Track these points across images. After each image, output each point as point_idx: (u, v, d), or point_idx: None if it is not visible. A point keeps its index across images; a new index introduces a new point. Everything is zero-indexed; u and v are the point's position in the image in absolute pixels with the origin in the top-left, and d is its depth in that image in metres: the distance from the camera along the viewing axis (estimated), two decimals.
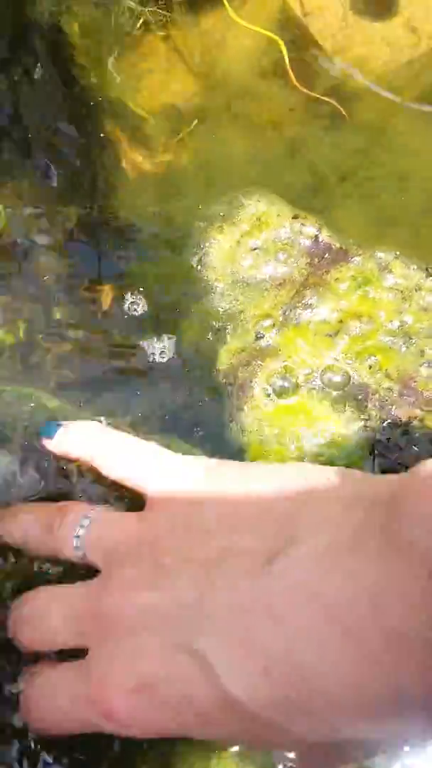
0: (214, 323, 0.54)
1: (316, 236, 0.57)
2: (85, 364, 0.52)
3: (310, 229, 0.57)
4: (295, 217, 0.57)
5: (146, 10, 0.59)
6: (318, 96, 0.62)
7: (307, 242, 0.56)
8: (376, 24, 0.71)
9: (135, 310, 0.55)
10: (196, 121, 0.64)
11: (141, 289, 0.56)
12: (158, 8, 0.61)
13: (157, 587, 0.32)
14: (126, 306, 0.55)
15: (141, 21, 0.59)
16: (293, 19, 0.69)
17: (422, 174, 0.68)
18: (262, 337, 0.52)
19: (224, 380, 0.52)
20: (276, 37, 0.61)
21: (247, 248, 0.56)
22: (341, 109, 0.62)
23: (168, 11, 0.64)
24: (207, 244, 0.57)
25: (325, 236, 0.57)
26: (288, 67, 0.60)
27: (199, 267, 0.57)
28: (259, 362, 0.52)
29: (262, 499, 0.34)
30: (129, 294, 0.55)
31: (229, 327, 0.54)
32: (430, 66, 0.70)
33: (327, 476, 0.35)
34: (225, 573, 0.31)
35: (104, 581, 0.35)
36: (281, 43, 0.60)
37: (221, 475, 0.38)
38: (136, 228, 0.59)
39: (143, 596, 0.33)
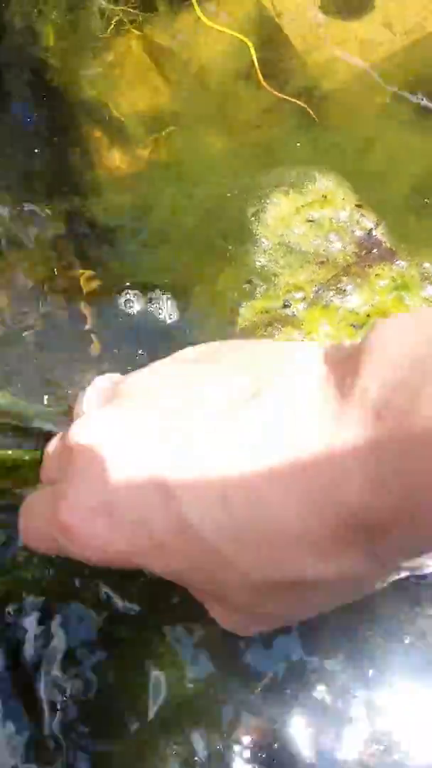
0: (248, 276, 0.56)
1: (371, 230, 0.57)
2: None
3: (368, 222, 0.58)
4: (358, 206, 0.58)
5: (118, 8, 0.60)
6: (286, 97, 0.62)
7: (361, 233, 0.57)
8: (350, 23, 0.71)
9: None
10: (171, 128, 0.64)
11: None
12: (129, 8, 0.61)
13: (125, 418, 0.34)
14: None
15: (114, 21, 0.60)
16: (267, 19, 0.69)
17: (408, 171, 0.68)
18: (288, 306, 0.53)
19: (240, 335, 0.53)
20: (245, 39, 0.61)
21: (304, 218, 0.58)
22: (309, 110, 0.62)
23: (141, 11, 0.64)
24: (267, 201, 0.59)
25: (379, 233, 0.57)
26: (257, 68, 0.61)
27: (252, 218, 0.58)
28: (280, 327, 0.53)
29: (227, 365, 0.36)
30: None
31: (261, 286, 0.55)
32: (404, 63, 0.70)
33: (297, 346, 0.38)
34: (192, 414, 0.33)
35: (78, 421, 0.36)
36: (250, 44, 0.61)
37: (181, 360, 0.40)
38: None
39: (112, 425, 0.34)
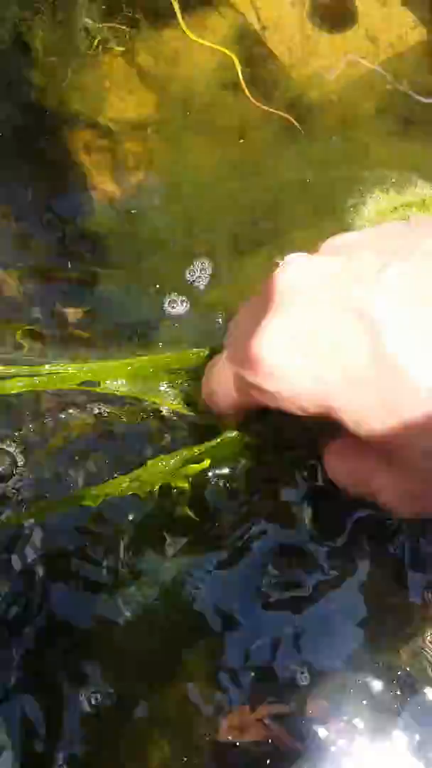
0: None
1: None
2: None
3: None
4: None
5: (104, 26, 0.61)
6: (271, 110, 0.63)
7: None
8: (334, 36, 0.72)
9: None
10: (159, 140, 0.65)
11: None
12: (117, 24, 0.62)
13: (333, 261, 0.33)
14: None
15: (98, 40, 0.61)
16: (252, 33, 0.70)
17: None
18: None
19: None
20: (228, 52, 0.62)
21: (400, 216, 0.59)
22: (294, 121, 0.63)
23: (128, 26, 0.65)
24: (368, 195, 0.60)
25: None
26: (241, 81, 0.62)
27: (351, 208, 0.59)
28: None
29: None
30: None
31: None
32: (386, 78, 0.71)
33: None
34: (406, 254, 0.32)
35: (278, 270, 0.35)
36: (234, 58, 0.61)
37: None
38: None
39: (320, 266, 0.33)
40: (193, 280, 0.59)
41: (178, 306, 0.56)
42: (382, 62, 0.72)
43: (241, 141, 0.64)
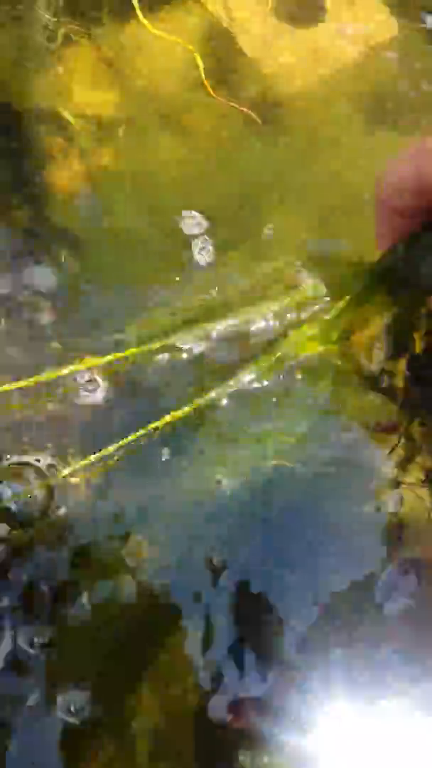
0: None
1: None
2: None
3: None
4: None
5: (64, 21, 0.60)
6: (233, 105, 0.62)
7: None
8: (303, 31, 0.72)
9: None
10: (123, 134, 0.65)
11: None
12: (77, 20, 0.62)
13: None
14: None
15: (60, 33, 0.60)
16: (219, 29, 0.70)
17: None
18: None
19: None
20: (190, 47, 0.61)
21: None
22: (256, 117, 0.62)
23: (90, 21, 0.65)
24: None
25: None
26: (203, 77, 0.61)
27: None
28: None
29: None
30: None
31: None
32: (356, 73, 0.70)
33: None
34: None
35: None
36: (196, 54, 0.61)
37: None
38: None
39: None
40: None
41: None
42: (353, 56, 0.71)
43: (208, 136, 0.63)
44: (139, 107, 0.66)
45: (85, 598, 0.49)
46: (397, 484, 0.52)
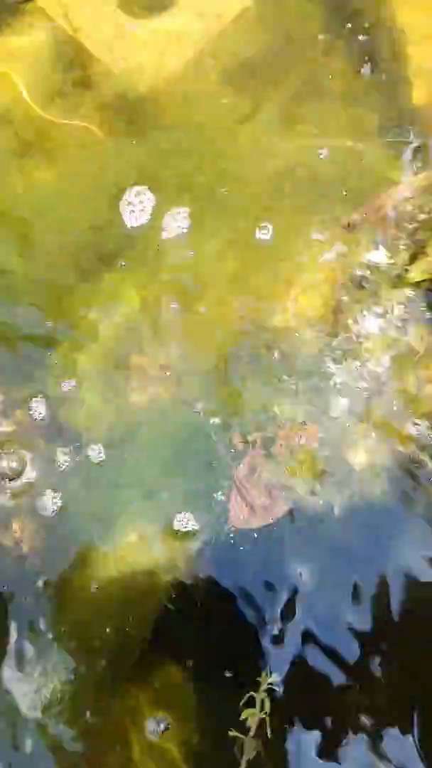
0: None
1: None
2: None
3: None
4: None
5: None
6: (64, 122, 0.61)
7: None
8: (157, 19, 0.69)
9: None
10: None
11: None
12: None
13: None
14: None
15: None
16: (66, 37, 0.68)
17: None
18: None
19: None
20: (7, 70, 0.60)
21: None
22: (95, 129, 0.61)
23: None
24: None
25: None
26: (27, 97, 0.60)
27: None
28: None
29: None
30: None
31: None
32: (224, 47, 0.67)
33: None
34: None
35: None
36: (12, 73, 0.60)
37: None
38: None
39: None
40: None
41: None
42: (212, 37, 0.69)
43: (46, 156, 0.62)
44: None
45: None
46: None
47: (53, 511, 0.56)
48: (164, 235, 0.58)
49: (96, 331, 0.58)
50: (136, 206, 0.60)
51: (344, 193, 0.59)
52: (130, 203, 0.59)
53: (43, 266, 0.60)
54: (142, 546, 0.55)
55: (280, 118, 0.65)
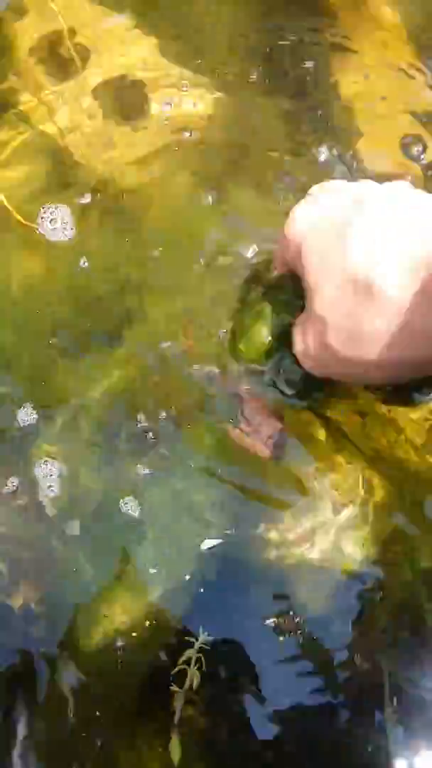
0: None
1: None
2: None
3: None
4: None
5: None
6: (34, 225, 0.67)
7: None
8: (133, 123, 0.75)
9: None
10: None
11: None
12: None
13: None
14: None
15: None
16: (50, 141, 0.73)
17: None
18: None
19: None
20: None
21: None
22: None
23: None
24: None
25: None
26: (7, 204, 0.65)
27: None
28: None
29: None
30: None
31: None
32: (185, 149, 0.73)
33: None
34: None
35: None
36: None
37: None
38: None
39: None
40: None
41: None
42: (177, 138, 0.74)
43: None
44: None
45: None
46: None
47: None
48: None
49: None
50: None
51: None
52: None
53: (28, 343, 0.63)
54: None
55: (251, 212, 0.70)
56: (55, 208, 0.68)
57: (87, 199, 0.70)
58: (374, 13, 0.81)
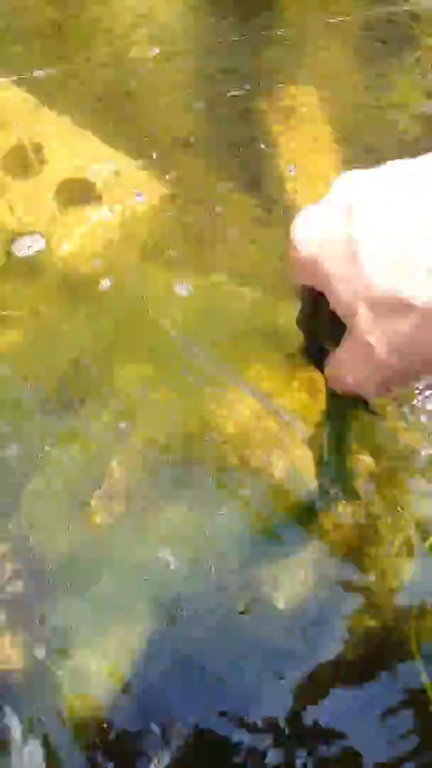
0: None
1: None
2: None
3: None
4: None
5: None
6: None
7: None
8: (84, 213, 0.82)
9: None
10: None
11: None
12: None
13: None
14: None
15: None
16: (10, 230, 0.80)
17: None
18: None
19: None
20: None
21: None
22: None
23: None
24: None
25: None
26: None
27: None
28: None
29: None
30: None
31: None
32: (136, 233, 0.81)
33: None
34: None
35: None
36: None
37: None
38: None
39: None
40: None
41: None
42: (132, 223, 0.82)
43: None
44: None
45: None
46: None
47: None
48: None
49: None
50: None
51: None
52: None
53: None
54: None
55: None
56: None
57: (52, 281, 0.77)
58: None
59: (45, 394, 0.70)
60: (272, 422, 0.67)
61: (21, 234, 0.80)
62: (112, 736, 0.55)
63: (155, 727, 0.55)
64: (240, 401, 0.69)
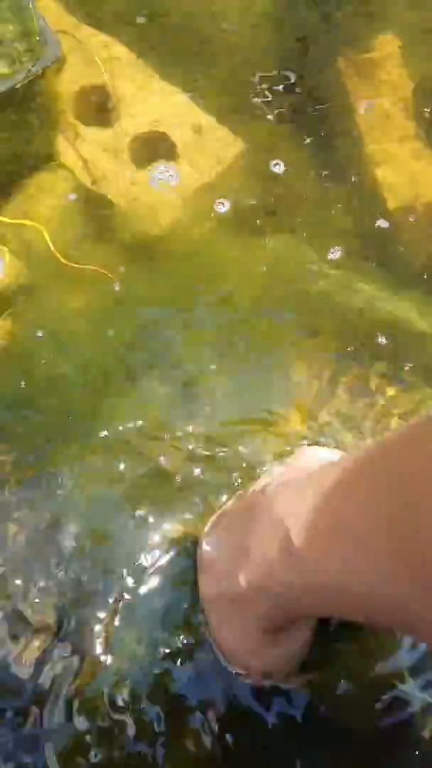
0: None
1: None
2: None
3: None
4: None
5: None
6: (84, 267, 0.70)
7: None
8: (158, 171, 0.79)
9: None
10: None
11: None
12: None
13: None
14: None
15: None
16: (86, 189, 0.78)
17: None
18: None
19: None
20: (35, 224, 0.69)
21: None
22: (107, 273, 0.70)
23: None
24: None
25: None
26: (53, 249, 0.69)
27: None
28: None
29: None
30: None
31: None
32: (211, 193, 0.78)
33: None
34: None
35: None
36: (42, 228, 0.69)
37: None
38: None
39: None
40: None
41: None
42: (209, 182, 0.79)
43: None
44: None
45: None
46: None
47: None
48: None
49: None
50: None
51: None
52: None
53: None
54: None
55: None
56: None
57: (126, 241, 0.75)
58: None
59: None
60: None
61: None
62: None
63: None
64: None
